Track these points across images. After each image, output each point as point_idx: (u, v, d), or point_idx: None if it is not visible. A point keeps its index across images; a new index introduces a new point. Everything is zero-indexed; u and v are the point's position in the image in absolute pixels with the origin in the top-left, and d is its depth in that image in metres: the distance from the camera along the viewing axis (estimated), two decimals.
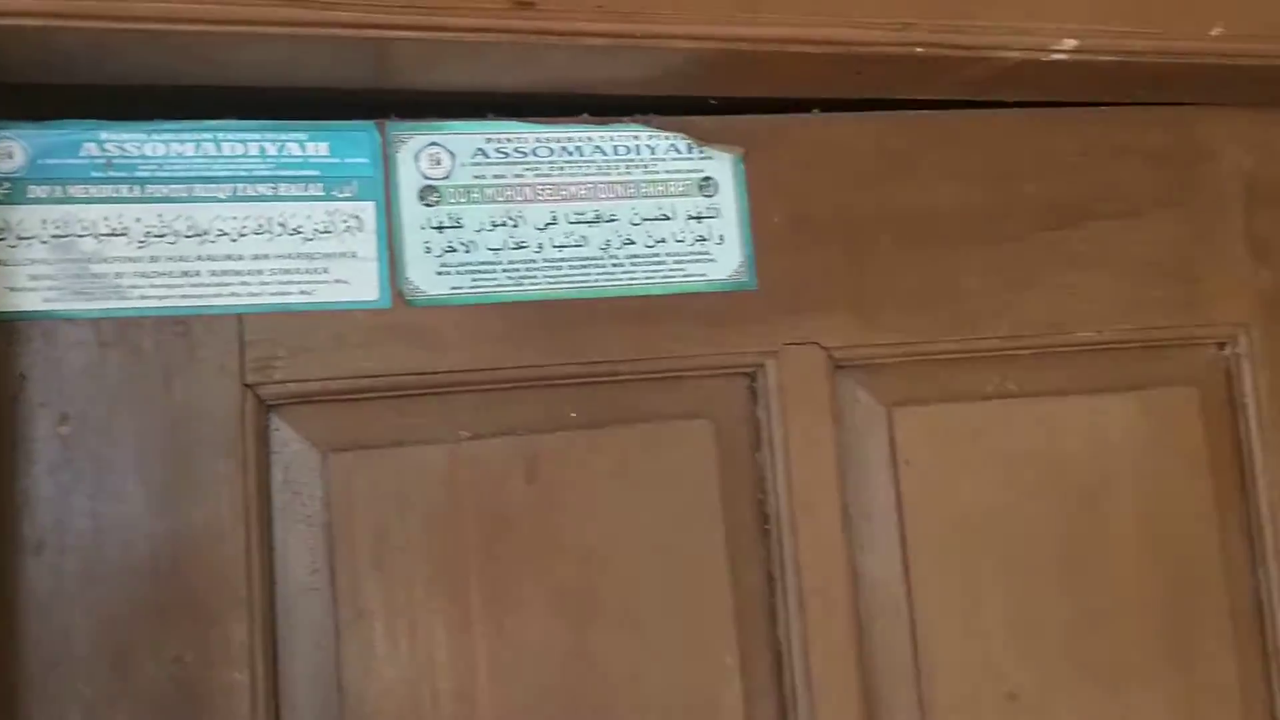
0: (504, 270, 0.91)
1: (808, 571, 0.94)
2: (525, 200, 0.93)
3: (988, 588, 0.99)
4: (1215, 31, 0.96)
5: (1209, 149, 1.09)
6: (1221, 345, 1.08)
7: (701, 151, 0.97)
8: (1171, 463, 1.05)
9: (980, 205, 1.02)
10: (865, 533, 0.98)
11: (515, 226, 0.92)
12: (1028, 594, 0.99)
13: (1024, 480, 1.01)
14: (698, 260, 0.96)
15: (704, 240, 0.96)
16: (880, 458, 0.99)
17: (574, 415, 0.93)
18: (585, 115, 0.95)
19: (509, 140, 0.93)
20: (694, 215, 0.96)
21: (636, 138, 0.96)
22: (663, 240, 0.95)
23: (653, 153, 0.96)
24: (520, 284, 0.91)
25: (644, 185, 0.96)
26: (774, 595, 0.95)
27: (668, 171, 0.96)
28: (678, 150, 0.97)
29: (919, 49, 0.89)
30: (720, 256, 0.96)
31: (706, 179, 0.97)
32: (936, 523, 0.99)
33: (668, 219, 0.96)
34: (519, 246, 0.92)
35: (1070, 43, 0.92)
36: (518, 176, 0.93)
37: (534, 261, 0.92)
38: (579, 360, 0.92)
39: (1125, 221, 1.06)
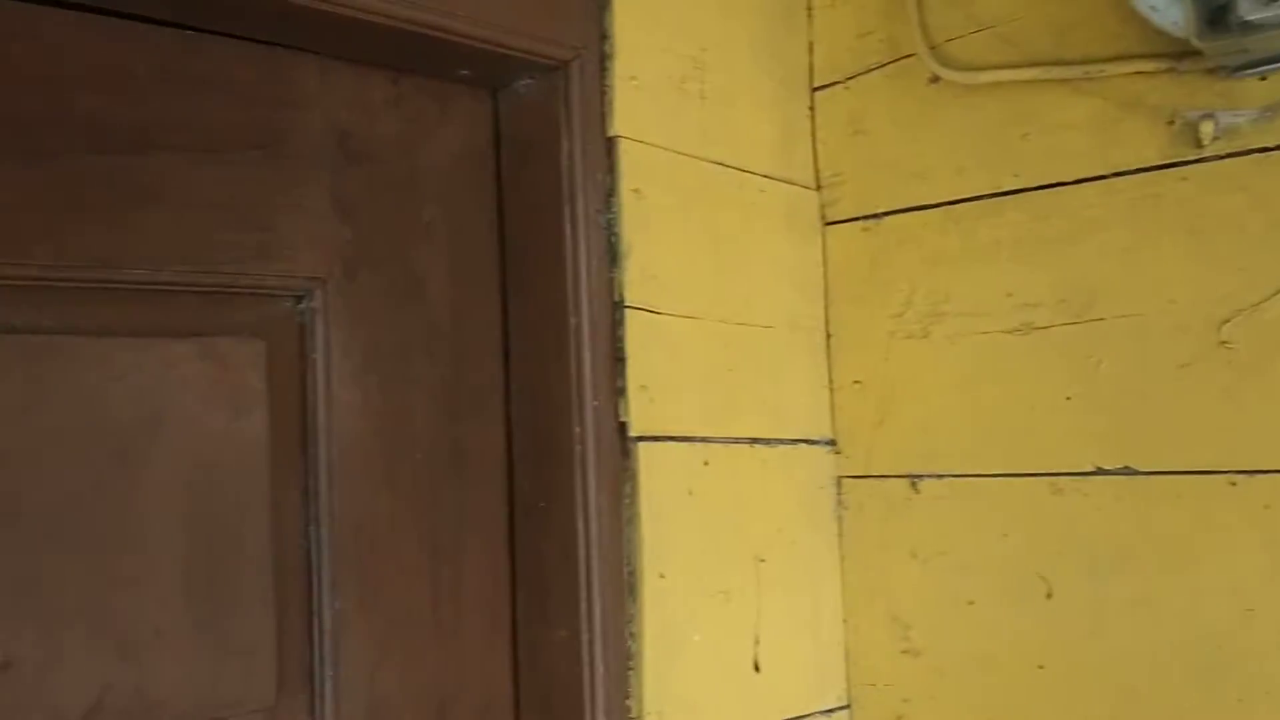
0: None
1: None
2: None
3: None
4: None
5: (303, 97, 1.06)
6: (298, 299, 1.06)
7: None
8: (228, 417, 1.00)
9: (20, 113, 0.89)
10: None
11: None
12: (34, 553, 0.89)
13: (52, 428, 0.90)
14: None
15: None
16: None
17: None
18: None
19: None
20: None
21: None
22: None
23: None
24: None
25: None
26: None
27: None
28: None
29: None
30: None
31: None
32: None
33: None
34: None
35: None
36: None
37: None
38: None
39: (201, 157, 0.99)
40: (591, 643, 1.13)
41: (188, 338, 0.98)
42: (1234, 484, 1.13)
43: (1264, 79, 1.13)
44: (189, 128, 0.98)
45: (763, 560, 1.28)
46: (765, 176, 1.35)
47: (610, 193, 1.17)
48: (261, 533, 1.02)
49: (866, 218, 1.39)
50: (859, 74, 1.40)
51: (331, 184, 1.08)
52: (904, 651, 1.33)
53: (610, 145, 1.17)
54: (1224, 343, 1.14)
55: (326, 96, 1.08)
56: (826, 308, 1.42)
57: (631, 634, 1.15)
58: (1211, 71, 1.15)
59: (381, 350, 1.10)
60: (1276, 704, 1.10)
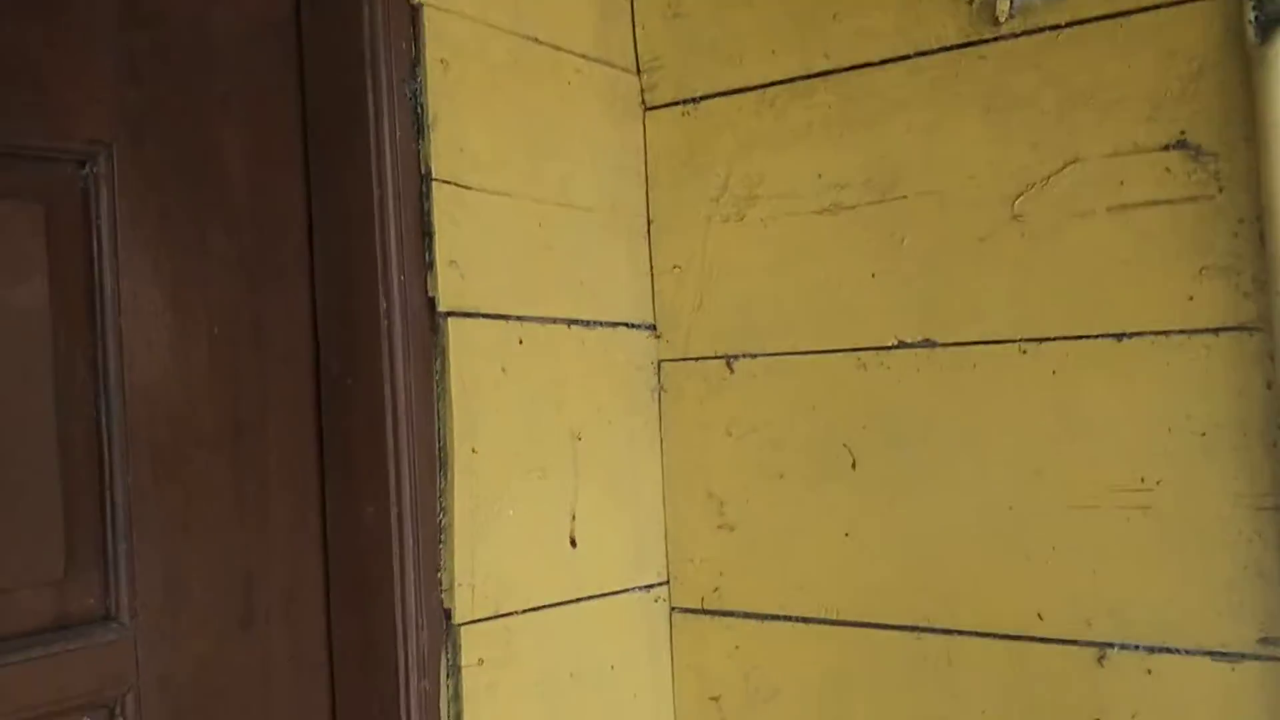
0: None
1: None
2: None
3: None
4: None
5: None
6: (81, 163, 1.02)
7: None
8: (4, 284, 0.96)
9: None
10: None
11: None
12: None
13: None
14: None
15: None
16: None
17: None
18: None
19: None
20: None
21: None
22: None
23: None
24: None
25: None
26: None
27: None
28: None
29: None
30: None
31: None
32: None
33: None
34: None
35: None
36: None
37: None
38: None
39: None
40: (400, 517, 1.12)
41: None
42: (1024, 351, 1.18)
43: None
44: None
45: (580, 439, 1.29)
46: (583, 57, 1.34)
47: (415, 62, 1.14)
48: (45, 403, 0.98)
49: (685, 102, 1.39)
50: None
51: (117, 45, 1.03)
52: (719, 526, 1.36)
53: (415, 13, 1.15)
54: (1017, 216, 1.18)
55: None
56: (648, 192, 1.42)
57: (442, 508, 1.15)
58: None
59: (173, 219, 1.07)
60: (1062, 559, 1.16)
